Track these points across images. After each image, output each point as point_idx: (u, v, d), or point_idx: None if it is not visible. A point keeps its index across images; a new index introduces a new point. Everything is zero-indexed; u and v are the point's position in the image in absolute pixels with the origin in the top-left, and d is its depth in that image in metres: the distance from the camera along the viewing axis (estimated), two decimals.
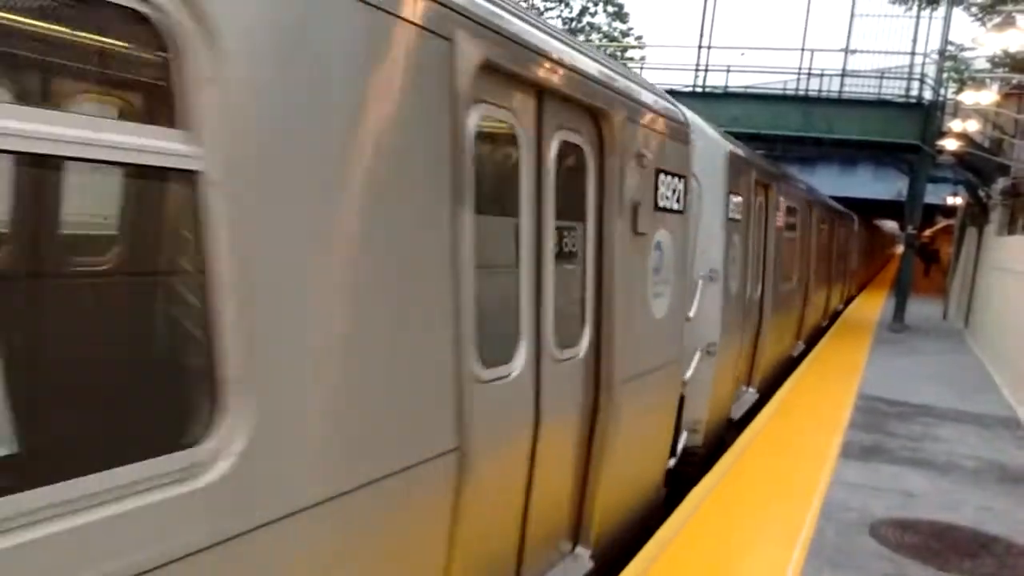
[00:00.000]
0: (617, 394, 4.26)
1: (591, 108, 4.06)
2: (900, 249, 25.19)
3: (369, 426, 2.47)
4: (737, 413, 8.64)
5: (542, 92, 3.64)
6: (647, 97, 4.96)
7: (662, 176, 4.96)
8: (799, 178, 14.96)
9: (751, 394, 9.49)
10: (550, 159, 3.71)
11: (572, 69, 3.84)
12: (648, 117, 4.84)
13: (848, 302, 24.02)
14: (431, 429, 2.78)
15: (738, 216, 7.92)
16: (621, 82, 4.48)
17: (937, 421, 9.21)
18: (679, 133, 5.50)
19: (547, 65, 3.60)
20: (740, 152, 8.25)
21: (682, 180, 5.45)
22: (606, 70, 4.35)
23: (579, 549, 4.35)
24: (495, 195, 3.65)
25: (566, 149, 3.93)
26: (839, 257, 19.78)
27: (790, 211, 11.42)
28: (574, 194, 4.12)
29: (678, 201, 5.38)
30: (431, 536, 2.85)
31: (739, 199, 7.91)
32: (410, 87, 2.62)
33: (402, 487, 2.60)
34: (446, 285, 2.80)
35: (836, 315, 19.93)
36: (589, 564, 4.33)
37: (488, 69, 3.06)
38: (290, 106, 2.14)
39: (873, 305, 23.98)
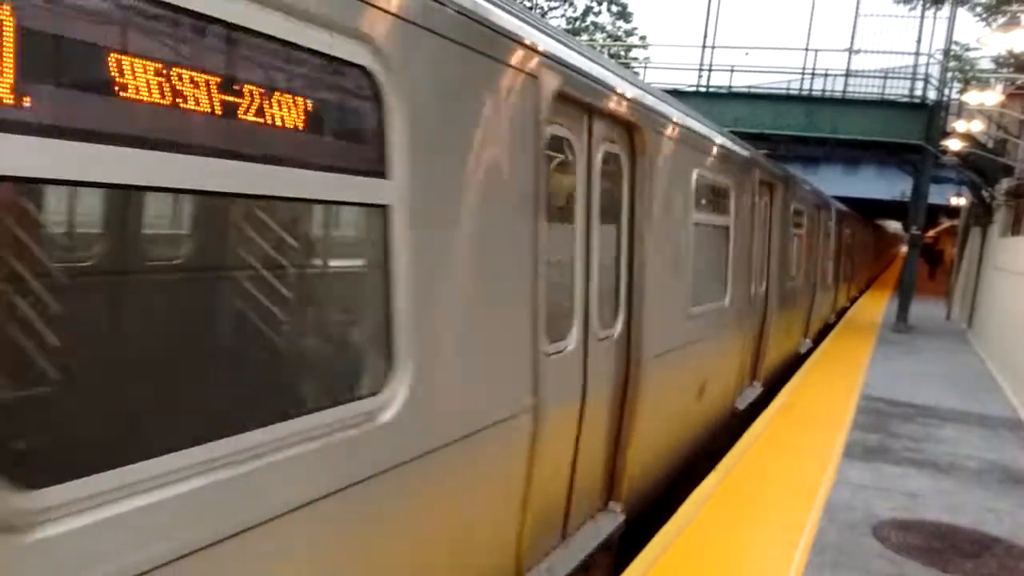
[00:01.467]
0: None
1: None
2: (903, 249, 25.49)
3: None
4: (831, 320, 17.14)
5: None
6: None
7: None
8: (851, 210, 23.54)
9: (832, 319, 17.63)
10: None
11: None
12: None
13: (868, 285, 32.61)
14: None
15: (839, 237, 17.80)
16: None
17: (940, 422, 9.20)
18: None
19: None
20: (841, 207, 16.44)
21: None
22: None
23: None
24: None
25: None
26: (864, 251, 29.34)
27: (851, 228, 21.86)
28: None
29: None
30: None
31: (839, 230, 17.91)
32: None
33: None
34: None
35: (860, 292, 28.21)
36: None
37: None
38: None
39: (877, 305, 23.95)
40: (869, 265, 34.47)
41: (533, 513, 3.83)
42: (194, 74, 1.98)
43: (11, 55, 1.58)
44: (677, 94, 15.75)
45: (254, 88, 2.15)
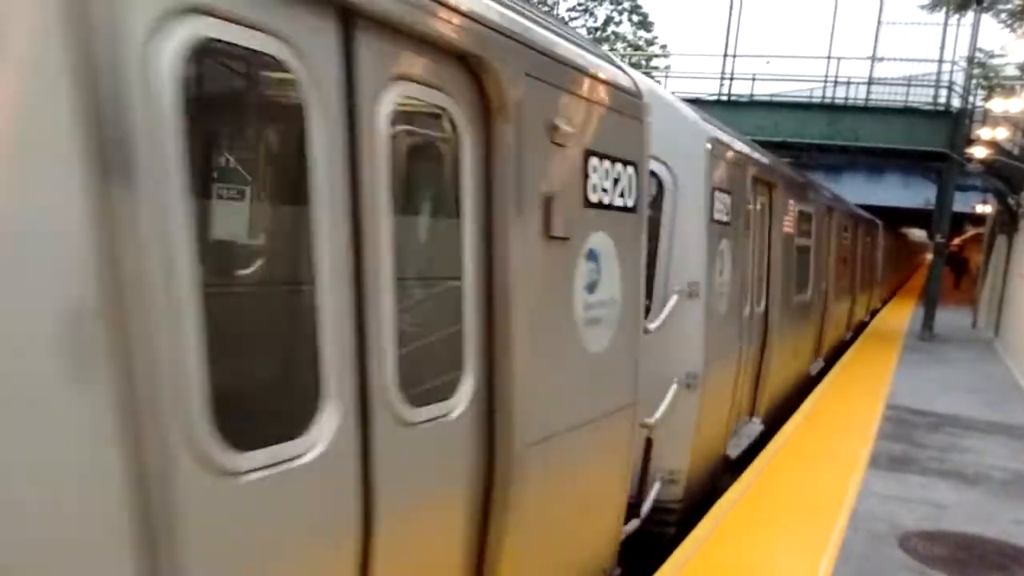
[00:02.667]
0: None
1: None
2: (928, 257, 25.48)
3: None
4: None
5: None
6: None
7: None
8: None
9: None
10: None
11: None
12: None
13: (900, 286, 36.24)
14: None
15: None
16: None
17: (966, 432, 9.16)
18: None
19: None
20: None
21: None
22: None
23: None
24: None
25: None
26: (891, 255, 30.06)
27: (887, 239, 23.90)
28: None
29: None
30: None
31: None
32: None
33: None
34: None
35: (894, 292, 31.52)
36: None
37: None
38: None
39: (901, 314, 23.76)
40: (897, 268, 34.31)
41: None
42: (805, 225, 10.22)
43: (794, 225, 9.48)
44: (698, 103, 15.81)
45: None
